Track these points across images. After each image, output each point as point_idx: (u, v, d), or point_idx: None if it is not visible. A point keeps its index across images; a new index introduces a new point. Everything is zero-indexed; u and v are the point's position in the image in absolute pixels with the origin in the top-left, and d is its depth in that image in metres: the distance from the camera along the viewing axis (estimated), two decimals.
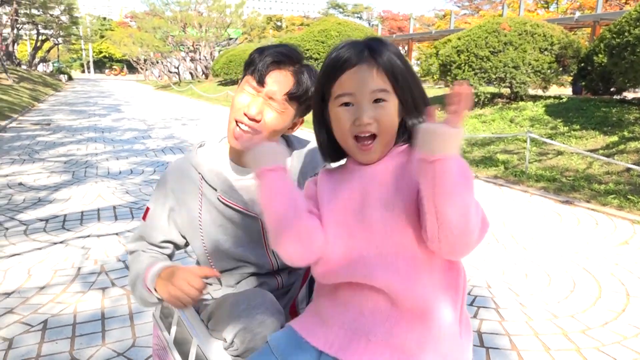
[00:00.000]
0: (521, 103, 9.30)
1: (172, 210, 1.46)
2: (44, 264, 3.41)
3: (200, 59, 35.04)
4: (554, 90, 12.00)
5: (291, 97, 1.33)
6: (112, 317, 2.69)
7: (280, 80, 1.32)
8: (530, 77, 8.89)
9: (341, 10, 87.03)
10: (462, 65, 9.31)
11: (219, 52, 33.82)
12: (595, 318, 2.73)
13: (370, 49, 1.00)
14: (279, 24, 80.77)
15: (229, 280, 1.47)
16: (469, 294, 3.01)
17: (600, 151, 6.35)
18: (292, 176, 1.41)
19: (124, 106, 17.89)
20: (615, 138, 6.65)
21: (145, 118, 13.75)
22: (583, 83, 9.05)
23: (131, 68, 53.19)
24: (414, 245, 0.94)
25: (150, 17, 38.07)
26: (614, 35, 7.08)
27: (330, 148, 1.08)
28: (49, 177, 6.16)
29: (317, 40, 14.86)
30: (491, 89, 10.36)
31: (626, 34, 6.74)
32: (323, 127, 1.08)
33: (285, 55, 1.33)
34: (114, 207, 4.84)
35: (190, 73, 36.89)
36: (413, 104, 1.02)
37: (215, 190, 1.42)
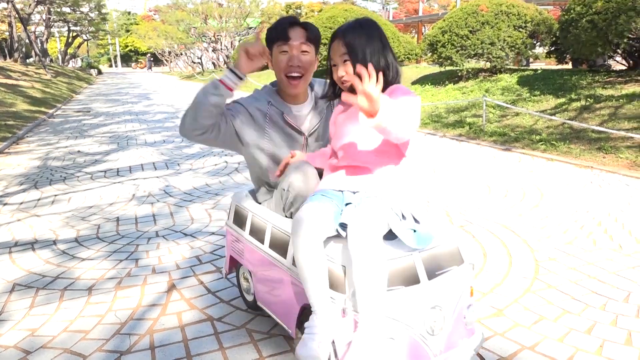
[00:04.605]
0: (500, 75, 10.52)
1: (240, 118, 2.13)
2: (109, 193, 4.95)
3: (221, 48, 36.58)
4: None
5: (309, 39, 2.08)
6: (159, 215, 4.20)
7: (296, 32, 2.07)
8: (505, 52, 10.10)
9: None
10: (446, 43, 10.57)
11: (239, 41, 35.32)
12: (483, 205, 4.12)
13: (336, 32, 1.83)
14: (298, 11, 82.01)
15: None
16: None
17: (549, 111, 7.61)
18: (316, 95, 2.26)
19: (152, 94, 19.58)
20: (563, 100, 7.89)
21: (173, 103, 15.36)
22: (554, 56, 10.20)
23: (156, 60, 55.19)
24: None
25: (173, 10, 39.71)
26: (563, 13, 8.26)
27: (332, 87, 1.98)
28: (100, 146, 7.75)
29: (326, 27, 16.15)
30: (474, 64, 11.58)
31: (571, 11, 7.92)
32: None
33: (289, 19, 2.10)
34: (153, 163, 6.37)
35: (213, 63, 38.51)
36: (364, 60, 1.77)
37: (282, 112, 2.16)
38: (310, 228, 1.69)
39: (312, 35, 2.09)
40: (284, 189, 1.95)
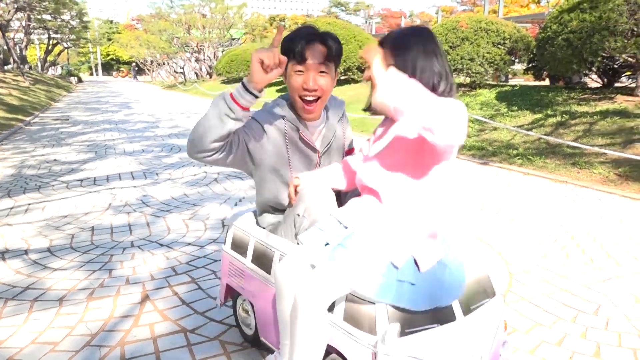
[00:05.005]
0: (479, 90, 10.69)
1: (254, 136, 1.89)
2: (85, 202, 4.88)
3: (204, 59, 36.55)
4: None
5: (328, 58, 1.84)
6: (135, 224, 4.16)
7: (314, 51, 1.81)
8: (484, 68, 10.28)
9: (343, 8, 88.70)
10: None
11: (222, 52, 35.32)
12: (459, 218, 4.16)
13: (383, 40, 1.62)
14: (282, 23, 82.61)
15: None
16: None
17: (525, 126, 7.75)
18: (328, 113, 2.06)
19: (133, 104, 19.41)
20: (540, 115, 8.05)
21: (154, 113, 15.24)
22: (531, 73, 10.41)
23: (138, 70, 54.77)
24: None
25: (156, 19, 39.63)
26: (540, 31, 8.46)
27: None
28: (77, 155, 7.64)
29: None
30: (454, 79, 11.77)
31: (548, 29, 8.13)
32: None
33: (306, 36, 1.82)
34: (131, 172, 6.30)
35: (195, 73, 38.46)
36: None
37: (298, 129, 1.94)
38: (288, 295, 1.59)
39: (332, 52, 1.85)
40: (298, 215, 1.78)
